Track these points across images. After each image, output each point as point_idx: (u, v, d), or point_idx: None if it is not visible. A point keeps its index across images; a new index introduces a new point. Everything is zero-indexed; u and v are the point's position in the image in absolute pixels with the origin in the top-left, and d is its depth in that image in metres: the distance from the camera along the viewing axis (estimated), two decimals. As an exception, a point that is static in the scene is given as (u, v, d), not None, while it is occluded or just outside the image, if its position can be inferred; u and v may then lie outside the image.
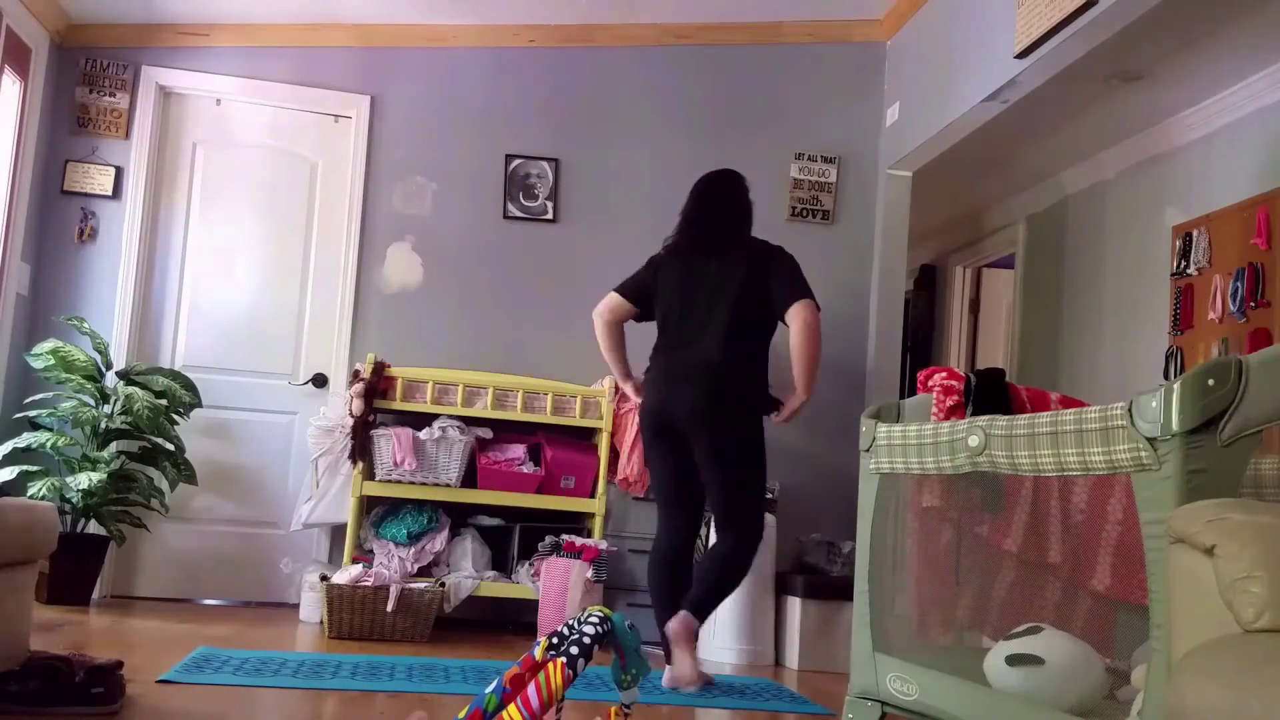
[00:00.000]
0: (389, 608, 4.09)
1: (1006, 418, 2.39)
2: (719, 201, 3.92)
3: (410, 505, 4.65)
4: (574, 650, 1.65)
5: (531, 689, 1.57)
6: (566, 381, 4.85)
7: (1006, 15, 4.14)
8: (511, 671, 1.89)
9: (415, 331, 5.07)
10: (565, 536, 4.57)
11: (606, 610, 1.76)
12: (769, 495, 4.82)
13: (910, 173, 5.31)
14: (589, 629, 1.69)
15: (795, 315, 3.63)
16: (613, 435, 4.72)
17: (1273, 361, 1.93)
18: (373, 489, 4.57)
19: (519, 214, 5.20)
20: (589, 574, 4.40)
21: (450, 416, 4.66)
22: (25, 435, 4.46)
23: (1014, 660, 2.34)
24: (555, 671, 1.61)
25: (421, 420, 4.71)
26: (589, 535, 4.67)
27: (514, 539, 4.79)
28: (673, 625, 3.48)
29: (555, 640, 1.82)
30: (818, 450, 5.23)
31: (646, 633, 4.64)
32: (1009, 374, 3.84)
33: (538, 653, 1.87)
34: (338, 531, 4.83)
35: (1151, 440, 1.98)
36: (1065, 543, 2.77)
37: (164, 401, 4.60)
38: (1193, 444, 1.92)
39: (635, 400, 4.03)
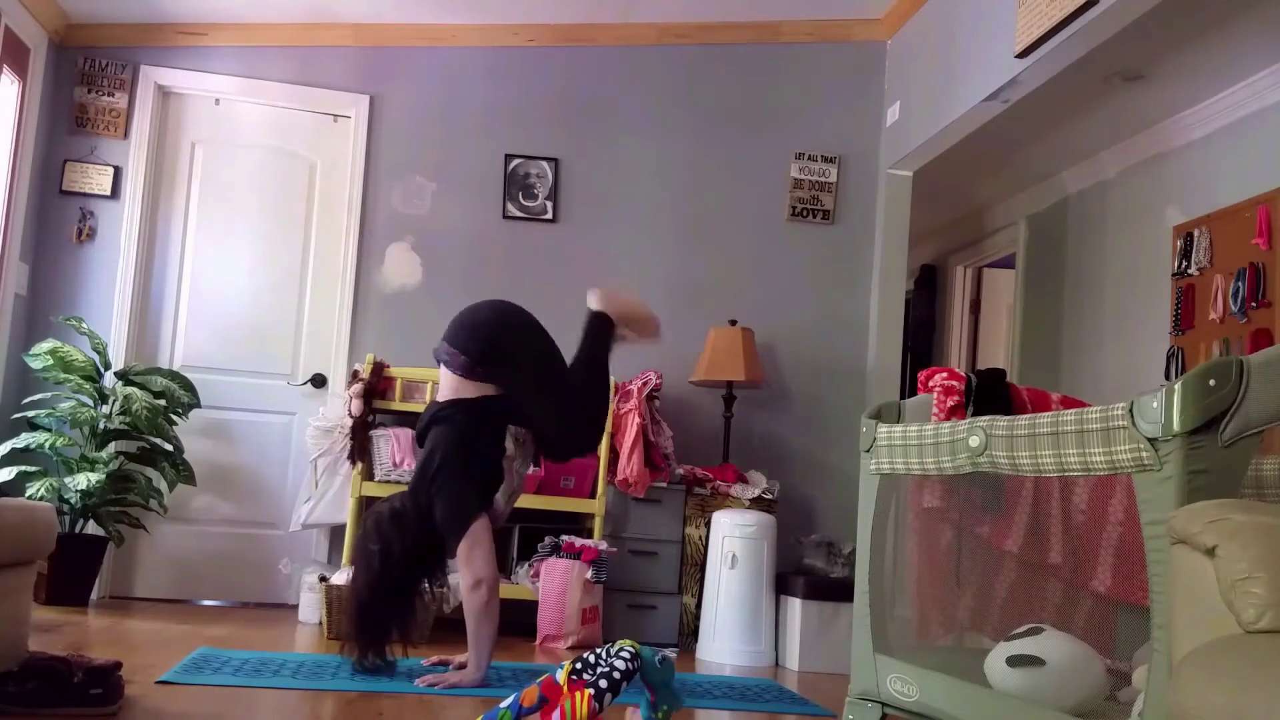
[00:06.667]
0: (388, 608, 4.07)
1: (1007, 418, 2.39)
2: None
3: (409, 506, 4.64)
4: (603, 684, 1.61)
5: (556, 716, 1.54)
6: (566, 382, 4.84)
7: (1007, 15, 4.13)
8: (530, 692, 1.85)
9: (414, 331, 5.06)
10: (565, 537, 4.55)
11: (637, 645, 1.72)
12: (769, 496, 4.82)
13: (910, 173, 5.31)
14: (620, 663, 1.65)
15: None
16: (613, 436, 4.71)
17: (1274, 362, 1.92)
18: (372, 489, 4.56)
19: (518, 214, 5.20)
20: (589, 575, 4.40)
21: (450, 417, 4.65)
22: (24, 436, 4.46)
23: (1015, 661, 2.33)
24: (582, 703, 1.58)
25: (421, 420, 4.70)
26: (589, 536, 4.67)
27: (513, 540, 4.78)
28: None
29: (579, 667, 1.76)
30: (818, 450, 5.23)
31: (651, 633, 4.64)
32: (1010, 374, 3.84)
33: (560, 676, 1.83)
34: (337, 532, 4.82)
35: (1153, 440, 1.97)
36: (1066, 543, 2.77)
37: (162, 402, 4.59)
38: (1194, 444, 1.91)
39: None
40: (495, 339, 3.37)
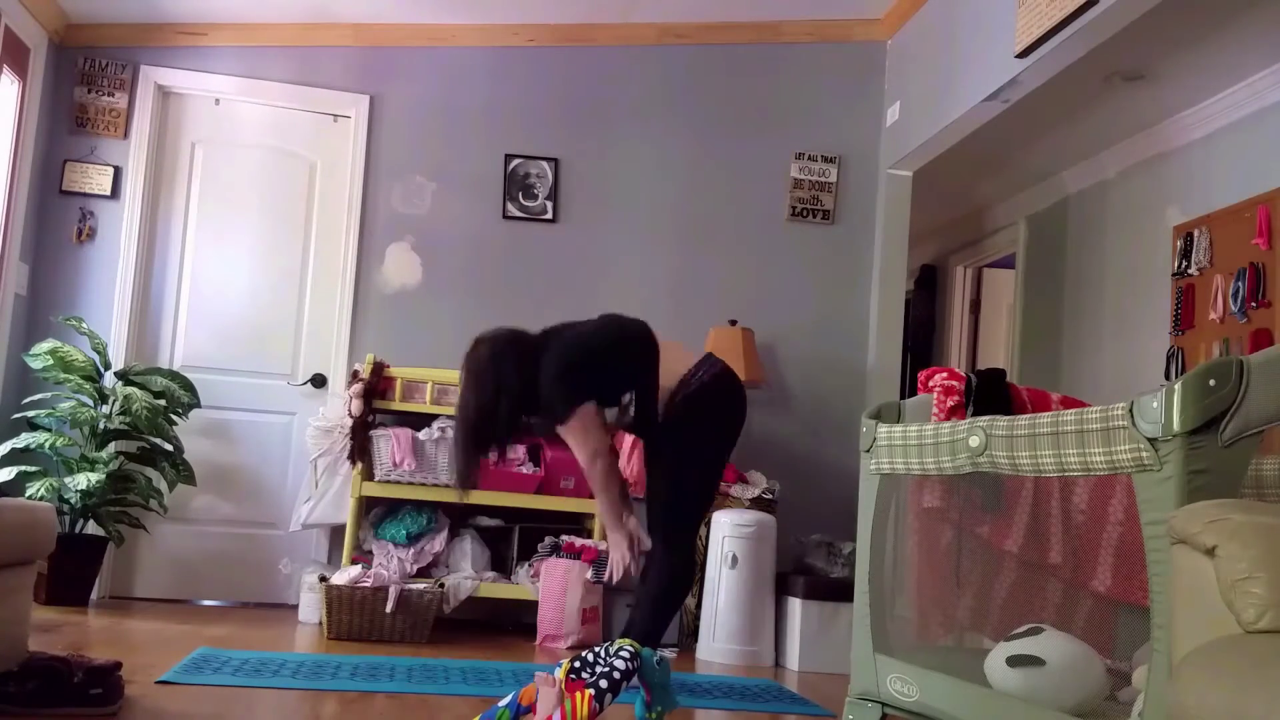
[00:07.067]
0: (388, 609, 4.08)
1: (1007, 418, 2.38)
2: None
3: (409, 506, 4.65)
4: (603, 684, 1.60)
5: (557, 716, 1.54)
6: (566, 382, 4.84)
7: (1007, 15, 4.13)
8: (529, 690, 1.86)
9: (414, 331, 5.07)
10: (565, 537, 4.56)
11: (636, 645, 1.72)
12: (769, 496, 4.82)
13: (910, 173, 5.31)
14: (620, 663, 1.64)
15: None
16: (613, 435, 4.70)
17: (1274, 362, 1.92)
18: (372, 489, 4.56)
19: (518, 214, 5.19)
20: (588, 575, 4.40)
21: (449, 417, 4.64)
22: (24, 436, 4.46)
23: (1015, 661, 2.33)
24: (583, 703, 1.58)
25: (421, 421, 4.70)
26: (589, 536, 4.66)
27: (513, 540, 4.78)
28: None
29: (578, 665, 1.75)
30: (818, 450, 5.23)
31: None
32: (1010, 374, 3.84)
33: (559, 674, 1.83)
34: (337, 532, 4.82)
35: (1153, 441, 1.97)
36: (1066, 543, 2.77)
37: (162, 402, 4.59)
38: (1194, 444, 1.91)
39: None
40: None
